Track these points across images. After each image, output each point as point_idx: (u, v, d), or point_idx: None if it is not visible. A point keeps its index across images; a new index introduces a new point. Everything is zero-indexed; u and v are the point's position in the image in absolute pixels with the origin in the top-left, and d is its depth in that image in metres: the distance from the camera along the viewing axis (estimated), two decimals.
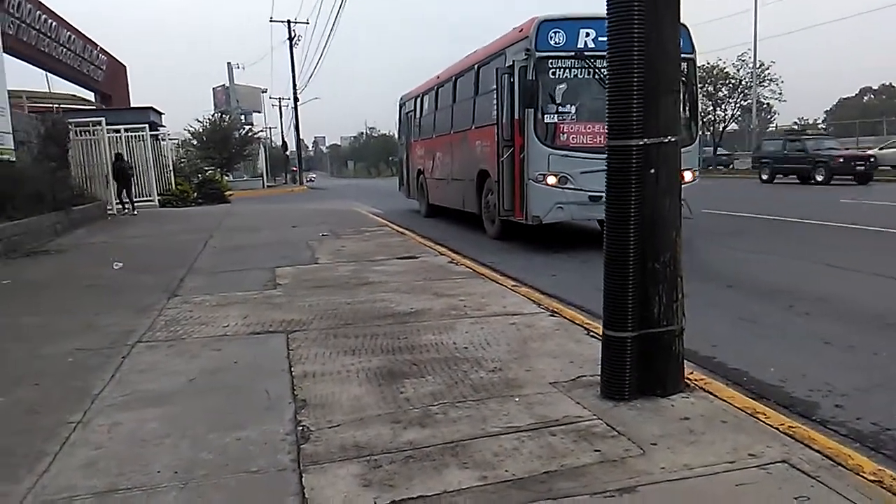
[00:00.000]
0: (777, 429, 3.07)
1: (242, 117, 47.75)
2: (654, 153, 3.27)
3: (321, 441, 3.05)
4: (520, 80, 9.34)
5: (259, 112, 60.24)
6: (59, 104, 22.56)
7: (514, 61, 9.63)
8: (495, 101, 10.22)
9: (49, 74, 21.23)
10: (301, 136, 53.24)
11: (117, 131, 20.21)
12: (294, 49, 47.05)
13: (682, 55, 8.28)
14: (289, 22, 46.74)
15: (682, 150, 8.67)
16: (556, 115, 9.25)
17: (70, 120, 18.47)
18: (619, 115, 3.24)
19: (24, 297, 6.85)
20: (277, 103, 64.13)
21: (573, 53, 9.13)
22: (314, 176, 78.02)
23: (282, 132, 63.31)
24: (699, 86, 10.83)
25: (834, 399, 3.79)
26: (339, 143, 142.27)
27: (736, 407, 3.33)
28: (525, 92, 9.14)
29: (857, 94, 75.19)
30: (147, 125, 21.78)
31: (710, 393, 3.52)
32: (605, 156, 7.83)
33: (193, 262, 8.88)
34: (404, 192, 18.80)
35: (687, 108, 9.54)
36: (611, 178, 3.33)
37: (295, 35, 46.82)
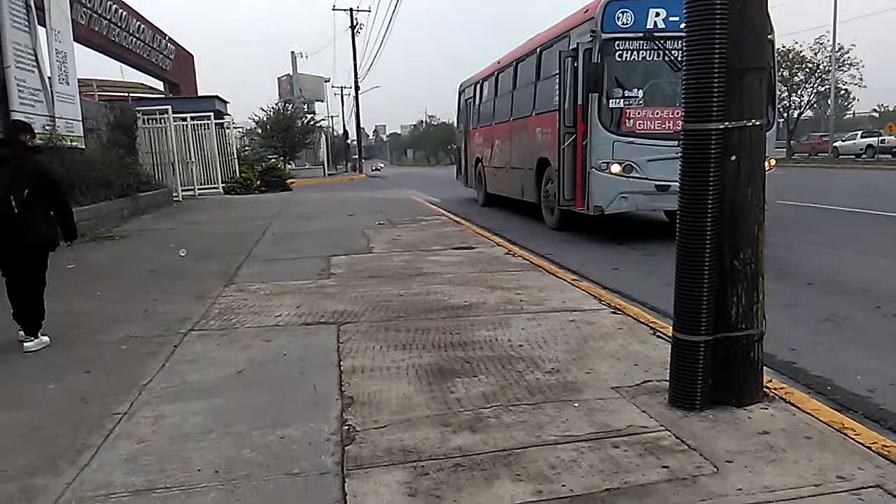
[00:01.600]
0: (869, 448, 2.74)
1: (305, 106, 48.31)
2: (736, 138, 2.96)
3: (367, 443, 2.89)
4: (584, 63, 8.93)
5: (322, 101, 60.85)
6: (129, 92, 23.20)
7: (578, 43, 9.22)
8: (557, 86, 9.72)
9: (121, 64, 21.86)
10: (362, 125, 53.55)
11: (184, 119, 20.62)
12: (356, 37, 47.32)
13: None
14: (351, 10, 46.99)
15: None
16: (621, 100, 8.75)
17: (138, 108, 18.93)
18: (698, 95, 2.93)
19: (86, 282, 6.95)
20: (339, 92, 64.94)
21: (642, 34, 8.60)
22: (382, 165, 77.92)
23: (343, 121, 64.07)
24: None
25: None
26: (398, 132, 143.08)
27: (821, 421, 3.00)
28: (589, 75, 8.75)
29: None
30: (212, 113, 22.15)
31: (792, 404, 3.19)
32: (673, 143, 7.19)
33: (251, 249, 8.90)
34: (462, 180, 18.36)
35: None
36: (686, 165, 3.02)
37: (357, 23, 47.06)
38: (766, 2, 2.94)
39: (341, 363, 3.97)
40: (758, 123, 2.99)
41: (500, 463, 2.67)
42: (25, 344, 4.57)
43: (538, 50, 11.42)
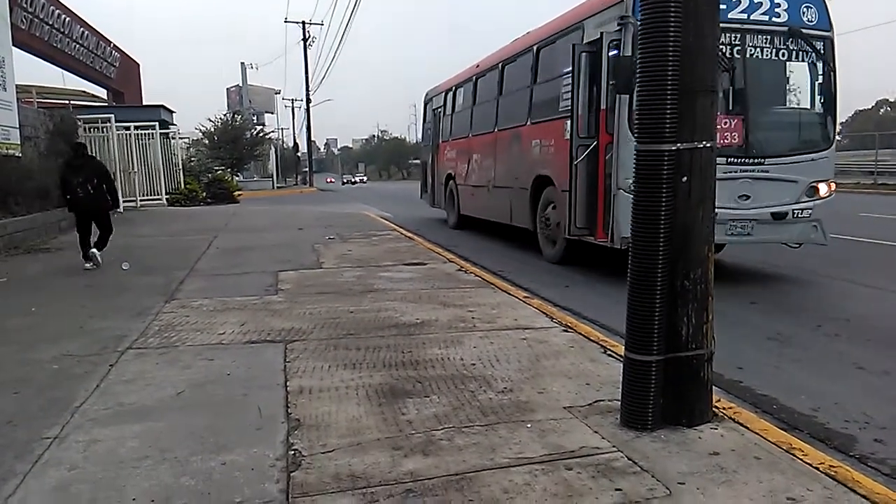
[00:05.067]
0: (817, 468, 2.76)
1: (255, 118, 47.66)
2: (687, 159, 2.98)
3: (313, 468, 2.77)
4: (609, 57, 7.31)
5: (272, 113, 60.20)
6: (70, 100, 22.45)
7: (601, 34, 7.43)
8: (568, 88, 8.05)
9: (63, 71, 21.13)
10: (313, 138, 53.12)
11: (127, 129, 20.05)
12: (308, 50, 47.03)
13: (816, 31, 7.22)
14: (303, 23, 46.76)
15: (816, 155, 7.34)
16: None
17: (79, 116, 18.32)
18: (651, 116, 2.95)
19: (18, 296, 6.62)
20: (290, 104, 64.26)
21: None
22: (358, 178, 77.26)
23: (294, 133, 63.33)
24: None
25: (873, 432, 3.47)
26: (350, 146, 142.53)
27: (770, 441, 3.03)
28: (620, 72, 6.78)
29: (872, 107, 74.25)
30: (157, 123, 21.62)
31: (741, 424, 3.21)
32: (727, 159, 6.61)
33: (195, 263, 8.64)
34: (427, 199, 16.50)
35: (821, 101, 7.56)
36: (639, 185, 3.04)
37: (309, 36, 46.82)
38: (718, 24, 2.99)
39: (288, 383, 3.84)
40: (708, 145, 3.03)
41: (453, 488, 2.59)
42: None
43: (534, 48, 9.73)
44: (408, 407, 3.45)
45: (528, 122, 9.68)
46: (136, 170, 19.86)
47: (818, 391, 4.08)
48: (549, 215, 8.96)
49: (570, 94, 7.95)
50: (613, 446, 2.96)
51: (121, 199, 18.45)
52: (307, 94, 48.02)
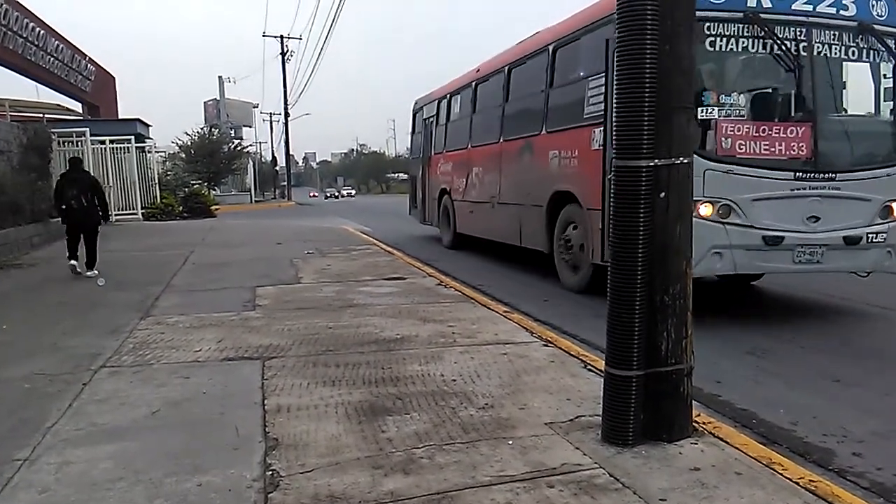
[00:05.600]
0: (797, 483, 2.78)
1: (232, 131, 47.38)
2: (665, 175, 3.01)
3: (292, 489, 2.73)
4: None
5: (249, 127, 59.91)
6: (45, 113, 22.14)
7: None
8: (598, 91, 7.03)
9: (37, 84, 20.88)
10: (291, 152, 52.94)
11: (102, 142, 19.82)
12: (286, 64, 46.95)
13: (889, 28, 6.20)
14: (281, 37, 46.67)
15: (892, 170, 6.25)
16: (716, 109, 5.89)
17: (53, 130, 18.07)
18: (629, 133, 2.98)
19: None
20: (268, 118, 63.99)
21: (741, 14, 5.89)
22: (345, 191, 74.79)
23: (272, 147, 63.08)
24: None
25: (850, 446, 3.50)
26: (329, 160, 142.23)
27: (750, 456, 3.04)
28: None
29: None
30: (133, 137, 21.39)
31: (721, 439, 3.23)
32: (793, 174, 5.72)
33: (171, 278, 8.53)
34: (416, 216, 15.32)
35: (893, 110, 6.65)
36: (618, 201, 3.06)
37: (287, 50, 46.74)
38: (693, 44, 3.03)
39: (266, 402, 3.78)
40: (686, 161, 3.05)
41: None
42: None
43: (550, 48, 8.57)
44: (388, 424, 3.42)
45: (544, 131, 8.59)
46: (111, 184, 19.57)
47: (796, 405, 4.11)
48: (571, 237, 7.79)
49: (601, 97, 6.94)
50: (595, 463, 2.95)
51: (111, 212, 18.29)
52: (285, 108, 47.87)
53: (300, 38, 79.12)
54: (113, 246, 12.86)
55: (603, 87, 6.83)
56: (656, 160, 2.98)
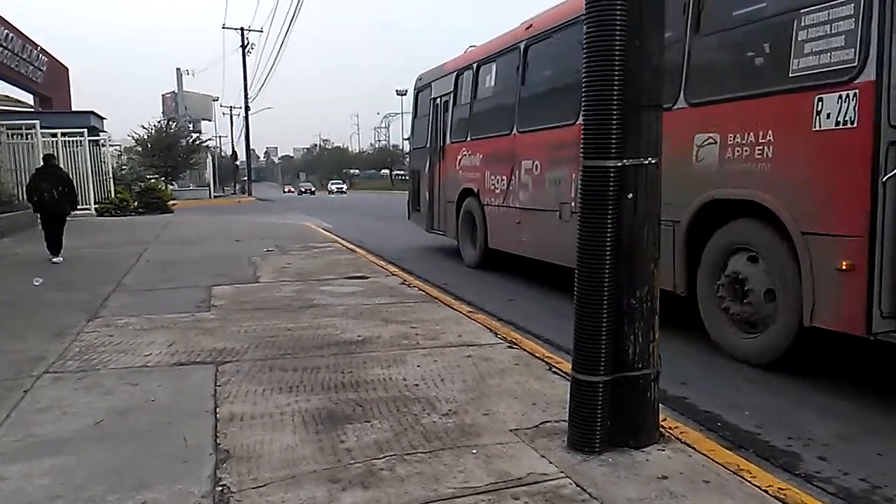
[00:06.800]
0: (766, 491, 2.72)
1: (191, 125, 46.38)
2: (633, 176, 2.92)
3: None
4: None
5: (209, 120, 58.70)
6: None
7: None
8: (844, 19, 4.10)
9: None
10: (252, 146, 52.07)
11: (54, 135, 19.16)
12: (247, 57, 46.16)
13: None
14: (242, 29, 45.90)
15: None
16: None
17: (1, 122, 17.39)
18: (597, 132, 2.88)
19: None
20: (228, 112, 62.85)
21: None
22: (344, 186, 70.46)
23: (232, 142, 61.83)
24: None
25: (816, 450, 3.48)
26: (291, 155, 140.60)
27: (717, 463, 2.98)
28: None
29: None
30: (87, 130, 20.74)
31: (688, 444, 3.16)
32: None
33: (123, 277, 8.21)
34: (420, 221, 12.21)
35: None
36: (585, 202, 2.96)
37: (248, 43, 45.97)
38: (663, 40, 2.95)
39: (218, 410, 3.60)
40: (654, 161, 2.97)
41: None
42: None
43: None
44: (347, 434, 3.27)
45: (682, 103, 5.36)
46: None
47: (760, 405, 4.09)
48: (747, 277, 4.88)
49: (843, 35, 4.09)
50: (561, 472, 2.85)
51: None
52: (246, 102, 47.15)
53: (261, 31, 77.98)
54: (64, 242, 12.41)
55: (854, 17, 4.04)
56: (624, 160, 2.89)
